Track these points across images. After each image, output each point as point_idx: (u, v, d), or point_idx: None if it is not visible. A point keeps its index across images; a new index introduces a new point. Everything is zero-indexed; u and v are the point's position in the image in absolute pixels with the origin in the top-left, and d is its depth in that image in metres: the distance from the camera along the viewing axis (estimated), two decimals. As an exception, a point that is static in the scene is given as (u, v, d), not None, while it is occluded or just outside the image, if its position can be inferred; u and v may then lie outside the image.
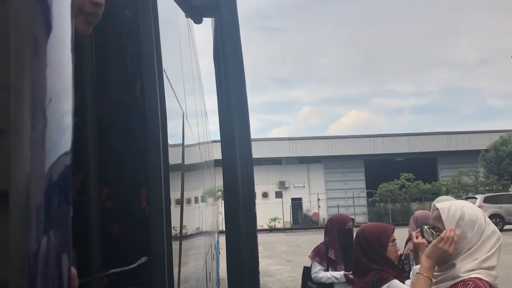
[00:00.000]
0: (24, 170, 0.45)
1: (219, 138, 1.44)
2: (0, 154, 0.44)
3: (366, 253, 2.45)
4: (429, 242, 1.84)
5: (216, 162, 7.63)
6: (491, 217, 22.00)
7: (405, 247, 3.40)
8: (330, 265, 3.83)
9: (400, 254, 2.81)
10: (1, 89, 0.45)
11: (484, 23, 70.53)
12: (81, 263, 1.09)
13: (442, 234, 1.74)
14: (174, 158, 1.44)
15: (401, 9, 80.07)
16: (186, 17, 1.47)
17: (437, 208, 1.86)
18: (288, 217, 31.45)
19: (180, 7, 1.34)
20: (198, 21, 1.36)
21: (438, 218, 1.83)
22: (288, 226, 30.77)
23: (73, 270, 0.83)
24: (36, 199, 0.47)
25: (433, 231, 1.83)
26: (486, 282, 1.64)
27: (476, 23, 72.36)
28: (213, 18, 1.45)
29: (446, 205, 1.85)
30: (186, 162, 1.96)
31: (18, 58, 0.46)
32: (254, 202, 1.35)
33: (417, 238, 2.49)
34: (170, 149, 1.28)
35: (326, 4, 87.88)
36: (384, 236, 2.48)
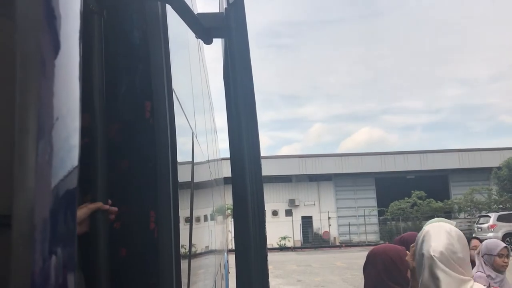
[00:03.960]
0: (29, 190, 0.45)
1: (228, 156, 1.43)
2: (4, 174, 0.44)
3: (392, 276, 2.41)
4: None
5: (226, 180, 7.61)
6: (505, 236, 21.43)
7: None
8: None
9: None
10: (8, 109, 0.45)
11: (495, 39, 70.46)
12: (89, 285, 1.07)
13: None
14: (183, 178, 1.44)
15: (411, 26, 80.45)
16: (196, 37, 1.47)
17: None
18: (298, 235, 31.14)
19: (190, 28, 1.35)
20: (208, 42, 1.37)
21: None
22: (299, 244, 30.44)
23: None
24: (41, 220, 0.46)
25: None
26: None
27: (487, 39, 72.29)
28: (223, 39, 1.46)
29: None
30: (195, 181, 1.95)
31: (25, 78, 0.46)
32: (264, 220, 1.33)
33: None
34: (179, 170, 1.28)
35: (336, 21, 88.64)
36: (405, 256, 2.48)
